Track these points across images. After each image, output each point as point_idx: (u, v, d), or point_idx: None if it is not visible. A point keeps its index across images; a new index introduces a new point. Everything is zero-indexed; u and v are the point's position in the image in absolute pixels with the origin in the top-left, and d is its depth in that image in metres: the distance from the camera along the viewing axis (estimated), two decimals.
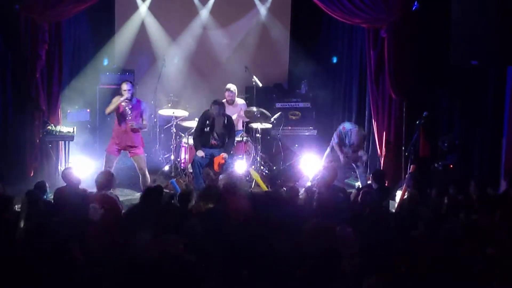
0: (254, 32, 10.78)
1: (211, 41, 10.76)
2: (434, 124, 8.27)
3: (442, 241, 4.52)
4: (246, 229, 5.02)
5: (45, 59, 8.20)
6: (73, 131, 8.24)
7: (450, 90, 8.35)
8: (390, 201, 7.04)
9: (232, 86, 9.02)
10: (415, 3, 7.98)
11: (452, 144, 8.00)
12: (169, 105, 9.52)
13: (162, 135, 9.77)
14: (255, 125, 9.00)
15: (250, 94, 9.84)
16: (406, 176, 7.72)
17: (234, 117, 8.76)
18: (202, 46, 10.70)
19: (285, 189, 6.64)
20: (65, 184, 6.25)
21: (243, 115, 8.98)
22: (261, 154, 9.03)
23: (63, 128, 8.25)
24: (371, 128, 9.08)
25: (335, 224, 4.96)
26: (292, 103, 10.30)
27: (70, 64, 9.56)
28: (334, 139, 8.30)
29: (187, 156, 8.78)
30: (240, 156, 8.53)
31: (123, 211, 5.90)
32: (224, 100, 8.82)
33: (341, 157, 8.19)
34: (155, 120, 9.73)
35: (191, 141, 8.53)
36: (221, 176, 6.95)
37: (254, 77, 9.47)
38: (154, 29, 10.59)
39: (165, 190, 6.99)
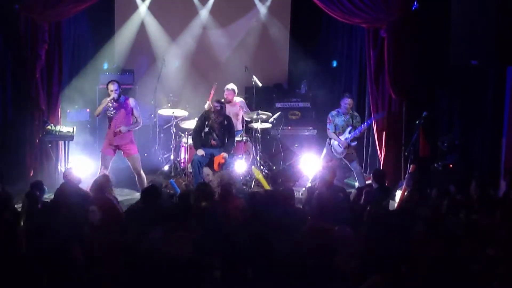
0: (254, 32, 10.78)
1: (211, 41, 10.75)
2: (434, 124, 8.28)
3: (442, 241, 4.52)
4: (246, 228, 5.02)
5: (45, 59, 8.20)
6: (73, 131, 8.24)
7: (450, 90, 8.36)
8: (390, 201, 7.04)
9: (230, 86, 9.01)
10: (415, 3, 7.98)
11: (452, 144, 8.00)
12: (169, 105, 9.52)
13: (162, 135, 9.76)
14: (255, 125, 9.00)
15: (250, 94, 9.84)
16: (406, 176, 7.72)
17: (239, 115, 8.75)
18: (202, 46, 10.69)
19: (281, 188, 6.65)
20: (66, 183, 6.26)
21: (245, 111, 8.99)
22: (260, 154, 9.02)
23: (63, 128, 8.25)
24: (371, 128, 9.07)
25: (334, 224, 4.97)
26: (291, 103, 10.30)
27: (70, 64, 9.55)
28: (328, 128, 8.22)
29: (186, 156, 8.78)
30: (240, 156, 8.53)
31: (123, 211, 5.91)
32: (222, 100, 8.84)
33: (340, 144, 8.07)
34: (155, 120, 9.73)
35: (190, 141, 8.52)
36: (217, 174, 6.96)
37: (254, 77, 9.47)
38: (154, 29, 10.58)
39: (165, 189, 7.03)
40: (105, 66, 10.32)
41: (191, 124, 8.94)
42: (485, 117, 7.95)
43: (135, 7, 10.43)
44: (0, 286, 3.86)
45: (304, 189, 7.99)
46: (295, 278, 4.05)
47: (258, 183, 8.42)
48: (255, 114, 8.82)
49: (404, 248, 4.50)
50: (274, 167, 9.32)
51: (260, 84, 9.59)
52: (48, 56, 8.25)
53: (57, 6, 8.05)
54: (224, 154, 7.93)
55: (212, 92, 9.06)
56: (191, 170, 8.18)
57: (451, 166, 7.83)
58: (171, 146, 9.14)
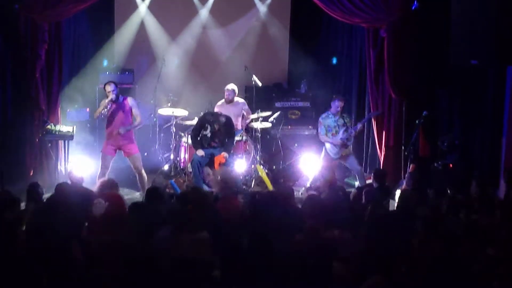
0: (253, 32, 10.78)
1: (211, 40, 10.75)
2: (434, 124, 8.29)
3: (442, 241, 4.52)
4: (246, 228, 5.02)
5: (44, 58, 8.20)
6: (73, 131, 8.25)
7: (450, 90, 8.36)
8: (390, 201, 7.04)
9: (230, 86, 9.00)
10: (415, 3, 7.99)
11: (451, 143, 8.00)
12: (169, 104, 9.52)
13: (162, 135, 9.76)
14: (254, 125, 9.00)
15: (250, 94, 9.84)
16: (406, 175, 7.73)
17: (240, 115, 8.79)
18: (202, 45, 10.69)
19: (281, 188, 6.65)
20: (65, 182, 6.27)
21: (248, 111, 8.99)
22: (260, 153, 9.02)
23: (63, 128, 8.25)
24: (370, 128, 9.08)
25: (334, 224, 4.97)
26: (291, 103, 10.30)
27: (70, 64, 9.55)
28: (320, 133, 8.17)
29: (186, 156, 8.78)
30: (240, 155, 8.53)
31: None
32: (223, 100, 8.85)
33: (334, 143, 7.99)
34: (155, 119, 9.73)
35: (190, 141, 8.52)
36: (217, 171, 6.97)
37: (254, 76, 9.46)
38: (154, 28, 10.57)
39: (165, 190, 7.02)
40: (105, 63, 10.31)
41: (193, 122, 8.94)
42: (485, 117, 7.95)
43: (135, 7, 10.42)
44: (0, 286, 3.86)
45: (303, 188, 7.99)
46: (295, 278, 4.05)
47: (258, 183, 8.42)
48: (255, 114, 8.83)
49: (404, 248, 4.51)
50: (274, 167, 9.32)
51: (260, 84, 9.59)
52: (48, 56, 8.25)
53: (57, 6, 8.05)
54: (225, 154, 7.94)
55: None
56: (191, 170, 8.18)
57: (451, 165, 7.83)
58: (171, 146, 9.14)
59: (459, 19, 7.44)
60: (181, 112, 9.31)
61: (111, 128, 7.59)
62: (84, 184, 6.48)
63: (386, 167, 8.39)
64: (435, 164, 7.93)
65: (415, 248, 4.53)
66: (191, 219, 4.93)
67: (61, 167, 8.42)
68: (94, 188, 6.11)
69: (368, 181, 7.74)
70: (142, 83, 10.38)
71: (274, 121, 9.33)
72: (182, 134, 9.05)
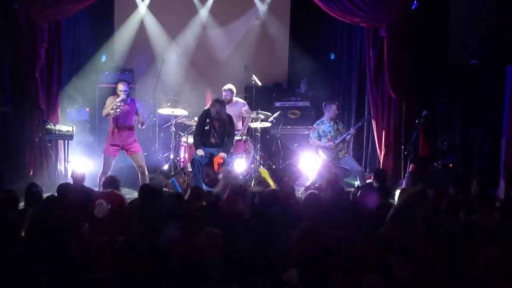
0: (253, 31, 10.77)
1: (211, 40, 10.75)
2: (434, 124, 8.29)
3: (441, 241, 4.52)
4: (246, 228, 5.02)
5: (44, 58, 8.18)
6: (73, 130, 8.23)
7: (450, 90, 8.36)
8: (390, 201, 7.04)
9: (227, 86, 8.98)
10: (415, 3, 7.99)
11: (451, 143, 8.01)
12: (169, 104, 9.52)
13: (162, 134, 9.77)
14: (254, 124, 9.00)
15: (250, 93, 9.84)
16: (406, 175, 7.72)
17: (240, 115, 8.77)
18: (202, 45, 10.69)
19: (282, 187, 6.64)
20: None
21: (247, 111, 8.99)
22: (260, 153, 9.02)
23: (63, 127, 8.24)
24: (370, 128, 9.08)
25: (334, 224, 4.97)
26: (291, 102, 10.29)
27: (70, 63, 9.54)
28: (310, 137, 8.31)
29: (186, 155, 8.78)
30: (239, 155, 8.53)
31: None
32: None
33: (327, 147, 8.11)
34: (155, 119, 9.73)
35: (190, 140, 8.52)
36: (220, 176, 6.95)
37: (254, 76, 9.46)
38: (154, 28, 10.57)
39: (164, 189, 7.02)
40: (103, 59, 10.28)
41: (194, 121, 8.94)
42: (484, 117, 7.95)
43: (134, 6, 10.42)
44: (0, 286, 3.86)
45: (303, 188, 7.99)
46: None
47: (259, 183, 8.42)
48: (254, 113, 8.83)
49: (404, 248, 4.51)
50: (274, 166, 9.32)
51: (259, 83, 9.59)
52: (47, 55, 8.23)
53: (56, 5, 8.04)
54: (222, 154, 7.92)
55: (209, 97, 9.03)
56: (190, 169, 8.18)
57: (451, 165, 7.84)
58: (171, 145, 9.14)
59: (459, 19, 7.45)
60: (180, 111, 9.31)
61: (118, 127, 7.57)
62: (85, 184, 6.48)
63: (386, 167, 8.40)
64: (435, 164, 7.93)
65: (415, 248, 4.53)
66: (202, 217, 4.93)
67: (61, 167, 8.41)
68: (95, 188, 6.12)
69: (368, 181, 7.75)
70: (142, 83, 10.38)
71: (274, 120, 9.33)
72: (182, 134, 9.05)
